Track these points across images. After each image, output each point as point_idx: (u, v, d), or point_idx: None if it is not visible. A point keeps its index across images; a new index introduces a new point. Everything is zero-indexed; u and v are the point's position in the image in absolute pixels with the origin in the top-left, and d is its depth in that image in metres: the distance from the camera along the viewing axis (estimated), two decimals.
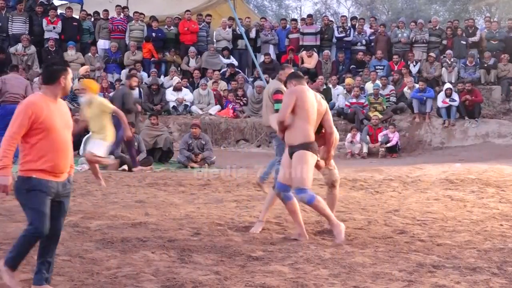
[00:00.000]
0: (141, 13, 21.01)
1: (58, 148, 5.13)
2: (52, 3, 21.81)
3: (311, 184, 7.23)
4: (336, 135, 7.47)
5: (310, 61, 20.66)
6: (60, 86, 5.18)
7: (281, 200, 7.39)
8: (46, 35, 20.14)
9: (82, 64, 19.91)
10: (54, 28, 20.07)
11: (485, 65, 20.03)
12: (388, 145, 17.19)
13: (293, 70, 7.90)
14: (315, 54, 20.76)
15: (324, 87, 19.44)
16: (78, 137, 15.36)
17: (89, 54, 20.21)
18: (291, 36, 21.48)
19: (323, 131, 7.41)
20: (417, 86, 18.96)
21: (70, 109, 17.96)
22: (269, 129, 8.12)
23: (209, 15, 21.91)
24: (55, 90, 5.18)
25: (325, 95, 19.07)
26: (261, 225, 7.71)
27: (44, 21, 20.11)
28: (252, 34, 20.92)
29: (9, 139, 4.99)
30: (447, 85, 18.59)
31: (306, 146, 7.02)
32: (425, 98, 18.49)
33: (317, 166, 7.31)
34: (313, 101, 7.15)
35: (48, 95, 5.16)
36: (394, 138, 17.24)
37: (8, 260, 5.22)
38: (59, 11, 21.32)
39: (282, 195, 7.27)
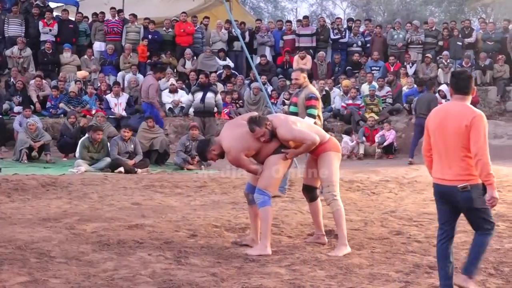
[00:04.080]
0: (135, 15, 20.93)
1: None
2: (48, 5, 21.73)
3: (275, 190, 7.16)
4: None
5: (304, 63, 20.65)
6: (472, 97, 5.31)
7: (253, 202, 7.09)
8: (42, 37, 20.09)
9: (78, 66, 19.90)
10: (50, 30, 20.03)
11: (482, 65, 20.05)
12: (385, 143, 17.17)
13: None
14: (308, 56, 20.75)
15: (324, 92, 19.41)
16: (75, 140, 15.39)
17: (85, 56, 20.16)
18: (285, 37, 21.49)
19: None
20: (415, 86, 19.00)
21: (66, 112, 18.16)
22: None
23: (207, 18, 21.88)
24: (468, 100, 5.29)
25: (324, 100, 19.18)
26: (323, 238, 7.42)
27: (40, 24, 20.05)
28: (247, 38, 20.86)
29: (487, 153, 5.17)
30: (441, 87, 18.61)
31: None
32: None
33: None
34: None
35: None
36: (390, 136, 17.21)
37: (470, 270, 5.29)
38: (55, 13, 21.28)
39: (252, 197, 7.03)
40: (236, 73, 20.58)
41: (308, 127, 7.15)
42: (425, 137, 5.49)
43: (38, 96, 18.10)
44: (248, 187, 7.13)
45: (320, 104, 10.05)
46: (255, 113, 7.29)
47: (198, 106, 15.98)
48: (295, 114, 9.78)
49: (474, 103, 17.65)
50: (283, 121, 7.04)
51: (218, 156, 6.98)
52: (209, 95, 15.99)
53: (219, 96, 16.83)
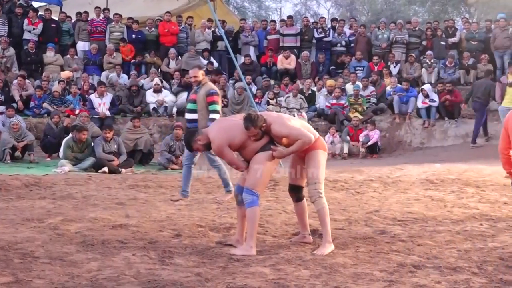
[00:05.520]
0: (120, 15, 20.87)
1: None
2: (31, 4, 21.64)
3: (263, 189, 7.12)
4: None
5: (288, 62, 20.70)
6: None
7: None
8: (25, 35, 19.99)
9: (62, 66, 19.83)
10: (34, 29, 19.92)
11: (466, 65, 20.14)
12: (369, 143, 17.21)
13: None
14: (293, 55, 20.79)
15: (310, 92, 19.48)
16: (58, 140, 15.33)
17: (68, 56, 20.08)
18: (270, 37, 21.52)
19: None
20: (399, 85, 19.05)
21: (49, 112, 18.08)
22: None
23: (191, 17, 21.87)
24: None
25: (310, 100, 19.25)
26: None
27: (25, 21, 19.93)
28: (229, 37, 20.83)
29: None
30: (424, 86, 18.70)
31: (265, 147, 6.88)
32: (403, 98, 18.62)
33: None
34: None
35: None
36: (375, 135, 17.26)
37: None
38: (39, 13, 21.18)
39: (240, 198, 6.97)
40: (222, 72, 20.57)
41: (301, 125, 7.11)
42: (504, 136, 5.52)
43: (21, 96, 18.02)
44: (237, 188, 7.11)
45: (220, 99, 10.10)
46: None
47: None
48: (194, 111, 9.85)
49: (457, 102, 17.93)
50: (277, 118, 7.00)
51: (204, 146, 6.94)
52: None
53: None
